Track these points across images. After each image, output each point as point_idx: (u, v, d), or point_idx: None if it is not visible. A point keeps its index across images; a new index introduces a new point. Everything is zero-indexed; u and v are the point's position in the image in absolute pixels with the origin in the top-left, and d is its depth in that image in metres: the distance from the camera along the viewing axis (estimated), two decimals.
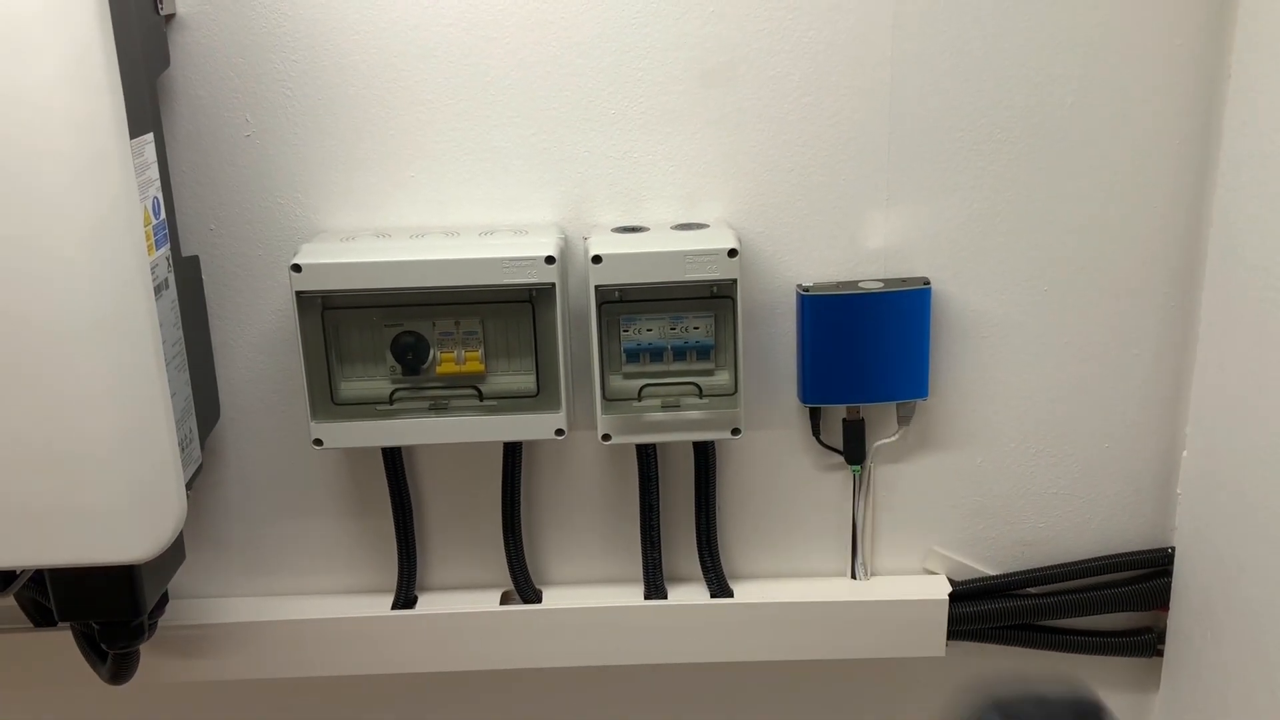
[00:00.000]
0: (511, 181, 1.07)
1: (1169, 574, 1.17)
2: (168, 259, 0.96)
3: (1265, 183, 0.97)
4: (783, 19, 1.02)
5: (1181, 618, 1.16)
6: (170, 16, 1.00)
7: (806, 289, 1.07)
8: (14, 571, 1.01)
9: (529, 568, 1.17)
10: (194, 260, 1.06)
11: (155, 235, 0.94)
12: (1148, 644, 1.20)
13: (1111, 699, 1.23)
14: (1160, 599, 1.18)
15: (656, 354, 1.04)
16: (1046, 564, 1.18)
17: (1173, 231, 1.08)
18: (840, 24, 1.03)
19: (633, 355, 1.04)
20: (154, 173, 0.94)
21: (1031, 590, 1.19)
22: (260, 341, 1.10)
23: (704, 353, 1.04)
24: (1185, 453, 1.14)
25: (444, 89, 1.04)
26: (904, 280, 1.08)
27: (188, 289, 1.03)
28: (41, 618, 1.15)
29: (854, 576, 1.19)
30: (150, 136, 0.94)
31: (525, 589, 1.17)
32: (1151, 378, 1.13)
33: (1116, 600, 1.18)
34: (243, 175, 1.06)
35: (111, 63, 0.79)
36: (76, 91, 0.78)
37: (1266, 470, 0.99)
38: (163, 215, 0.96)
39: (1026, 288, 1.10)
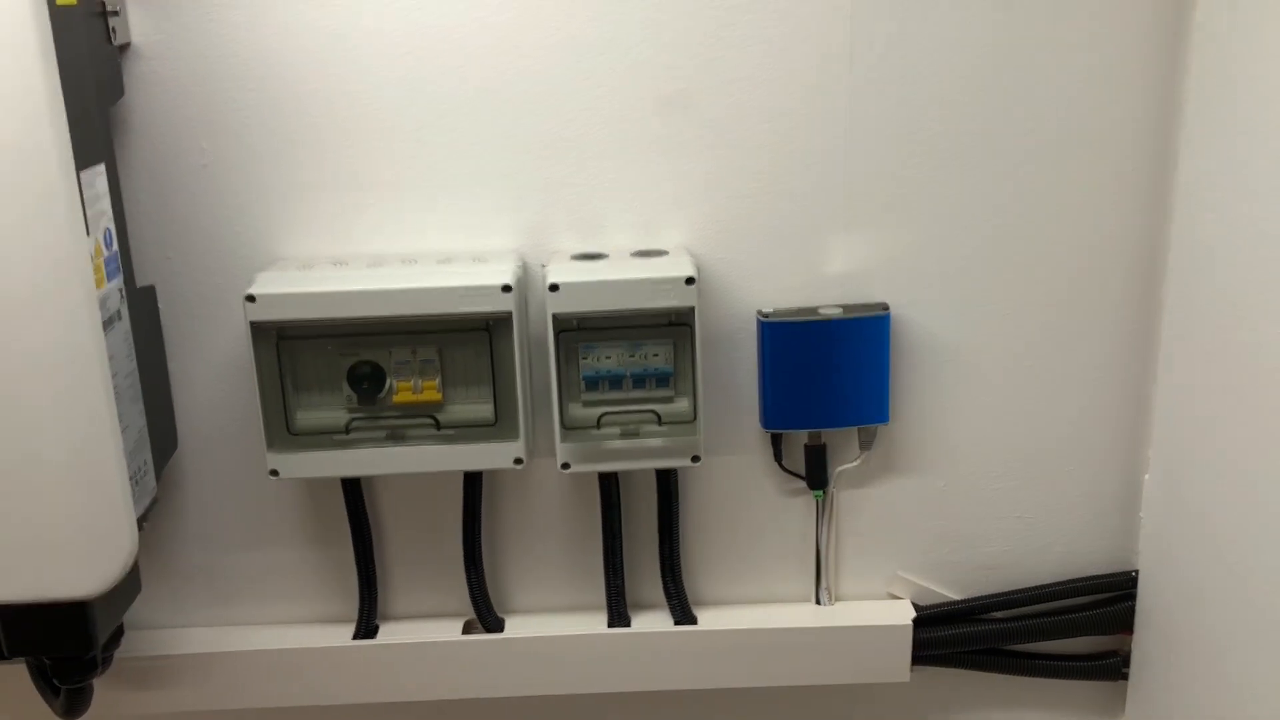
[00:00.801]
0: (471, 209, 1.06)
1: (1133, 597, 1.17)
2: (120, 290, 0.96)
3: (1222, 206, 0.98)
4: (739, 47, 1.02)
5: (1145, 641, 1.16)
6: (125, 46, 1.00)
7: (766, 315, 1.07)
8: None
9: (491, 596, 1.16)
10: (150, 290, 1.05)
11: (107, 267, 0.93)
12: (1113, 668, 1.20)
13: None
14: (1125, 623, 1.18)
15: (615, 382, 1.04)
16: (1011, 588, 1.18)
17: (1132, 256, 1.08)
18: (796, 52, 1.03)
19: (592, 383, 1.04)
20: (106, 204, 0.93)
21: (997, 614, 1.18)
22: (219, 371, 1.09)
23: (663, 380, 1.04)
24: (1147, 476, 1.14)
25: (402, 117, 1.03)
26: (863, 306, 1.08)
27: (143, 319, 1.02)
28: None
29: (818, 602, 1.18)
30: (102, 167, 0.93)
31: (487, 618, 1.16)
32: (1113, 402, 1.13)
33: (1082, 624, 1.18)
34: (200, 204, 1.05)
35: (55, 95, 0.79)
36: (18, 124, 0.77)
37: (1227, 493, 0.99)
38: (115, 247, 0.95)
39: (986, 313, 1.10)
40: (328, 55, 1.02)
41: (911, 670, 1.16)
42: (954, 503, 1.16)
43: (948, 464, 1.15)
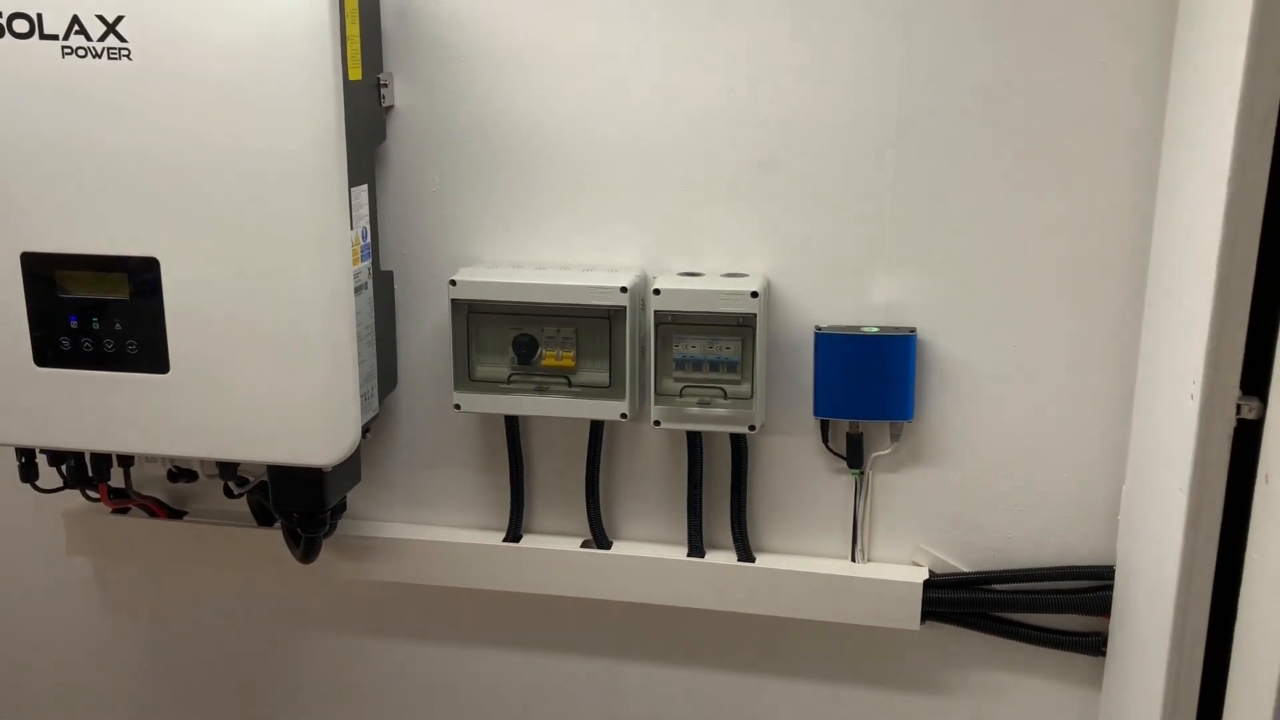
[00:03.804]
0: (613, 234, 1.47)
1: (1112, 587, 1.43)
2: (369, 269, 1.42)
3: (1185, 273, 1.22)
4: (814, 128, 1.39)
5: (1118, 627, 1.41)
6: (390, 107, 1.47)
7: (821, 328, 1.43)
8: (236, 467, 1.47)
9: (604, 523, 1.56)
10: (389, 274, 1.52)
11: (363, 252, 1.40)
12: (1095, 645, 1.46)
13: (1065, 691, 1.50)
14: (1105, 608, 1.44)
15: (697, 365, 1.42)
16: (1011, 567, 1.47)
17: (1121, 303, 1.36)
18: (856, 134, 1.38)
19: (680, 364, 1.42)
20: (365, 210, 1.41)
21: (997, 587, 1.47)
22: (431, 334, 1.54)
23: (732, 366, 1.41)
24: (1125, 486, 1.41)
25: (567, 168, 1.45)
26: (896, 328, 1.42)
27: (383, 292, 1.48)
28: (263, 519, 1.62)
29: (853, 560, 1.51)
30: (365, 186, 1.40)
31: (600, 538, 1.55)
32: (1099, 421, 1.40)
33: (1067, 604, 1.45)
34: (429, 218, 1.51)
35: (341, 138, 1.25)
36: (319, 155, 1.24)
37: (1180, 510, 1.19)
38: (369, 239, 1.42)
39: (997, 343, 1.40)
40: (519, 123, 1.45)
41: (923, 624, 1.47)
42: (968, 494, 1.47)
43: (963, 461, 1.46)
